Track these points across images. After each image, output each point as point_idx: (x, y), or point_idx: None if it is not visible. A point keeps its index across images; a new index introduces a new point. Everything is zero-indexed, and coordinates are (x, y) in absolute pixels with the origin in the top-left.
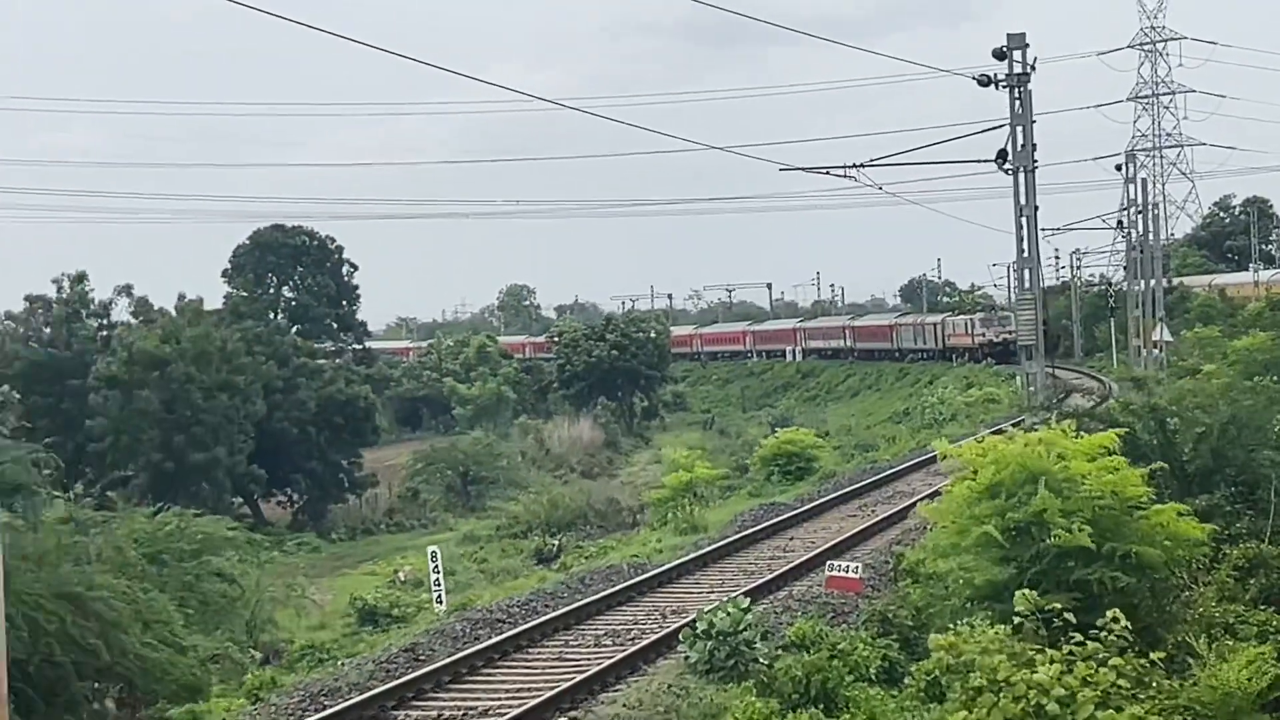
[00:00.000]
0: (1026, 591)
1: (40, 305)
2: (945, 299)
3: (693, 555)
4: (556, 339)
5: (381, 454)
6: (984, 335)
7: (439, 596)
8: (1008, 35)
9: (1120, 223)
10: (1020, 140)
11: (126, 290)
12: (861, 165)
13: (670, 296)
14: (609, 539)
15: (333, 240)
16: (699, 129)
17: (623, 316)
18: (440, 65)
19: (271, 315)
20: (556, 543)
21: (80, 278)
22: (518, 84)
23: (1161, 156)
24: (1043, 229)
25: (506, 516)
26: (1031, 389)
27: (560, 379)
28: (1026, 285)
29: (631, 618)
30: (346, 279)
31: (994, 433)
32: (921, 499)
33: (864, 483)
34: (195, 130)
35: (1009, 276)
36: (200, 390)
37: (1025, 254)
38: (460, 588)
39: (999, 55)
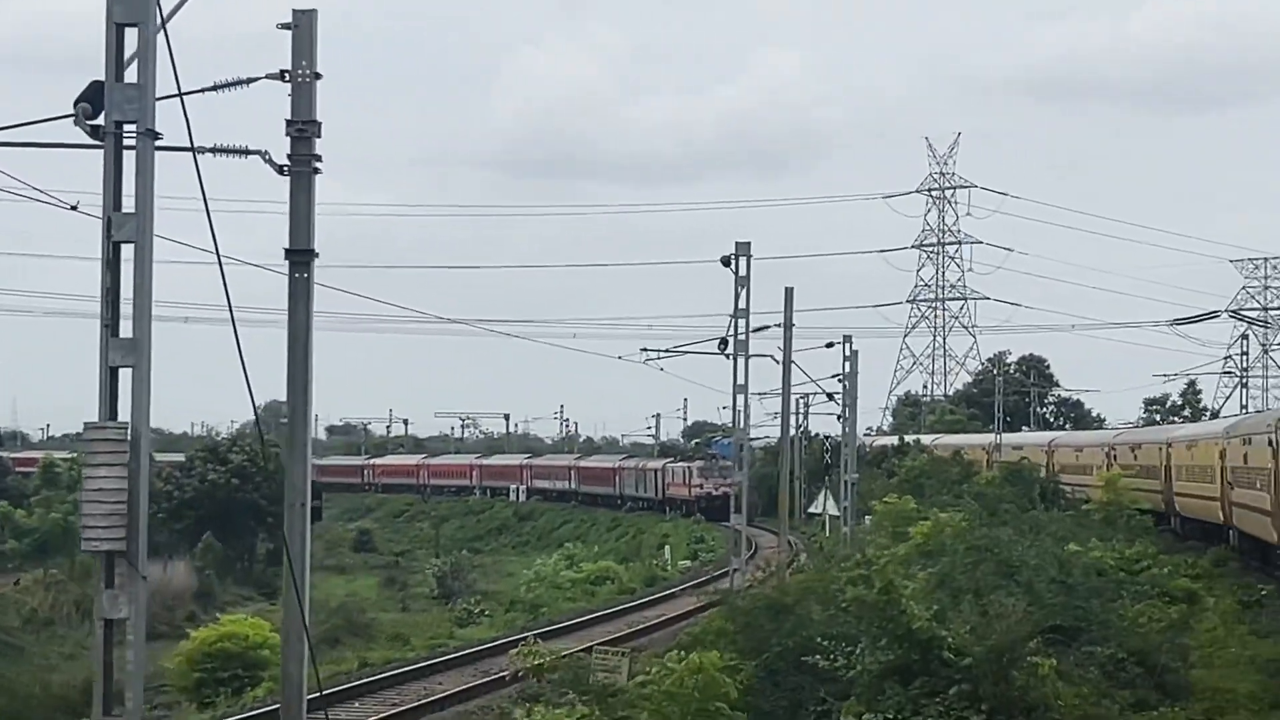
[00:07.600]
0: None
1: None
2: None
3: None
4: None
5: None
6: (700, 487)
7: None
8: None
9: (830, 395)
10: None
11: None
12: None
13: (406, 421)
14: None
15: None
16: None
17: (251, 436)
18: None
19: None
20: None
21: None
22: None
23: (945, 308)
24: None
25: None
26: None
27: (168, 509)
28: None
29: None
30: None
31: None
32: None
33: None
34: None
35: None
36: None
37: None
38: None
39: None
